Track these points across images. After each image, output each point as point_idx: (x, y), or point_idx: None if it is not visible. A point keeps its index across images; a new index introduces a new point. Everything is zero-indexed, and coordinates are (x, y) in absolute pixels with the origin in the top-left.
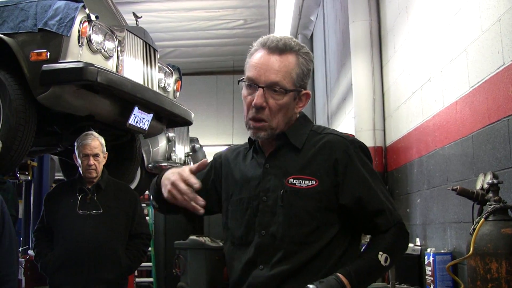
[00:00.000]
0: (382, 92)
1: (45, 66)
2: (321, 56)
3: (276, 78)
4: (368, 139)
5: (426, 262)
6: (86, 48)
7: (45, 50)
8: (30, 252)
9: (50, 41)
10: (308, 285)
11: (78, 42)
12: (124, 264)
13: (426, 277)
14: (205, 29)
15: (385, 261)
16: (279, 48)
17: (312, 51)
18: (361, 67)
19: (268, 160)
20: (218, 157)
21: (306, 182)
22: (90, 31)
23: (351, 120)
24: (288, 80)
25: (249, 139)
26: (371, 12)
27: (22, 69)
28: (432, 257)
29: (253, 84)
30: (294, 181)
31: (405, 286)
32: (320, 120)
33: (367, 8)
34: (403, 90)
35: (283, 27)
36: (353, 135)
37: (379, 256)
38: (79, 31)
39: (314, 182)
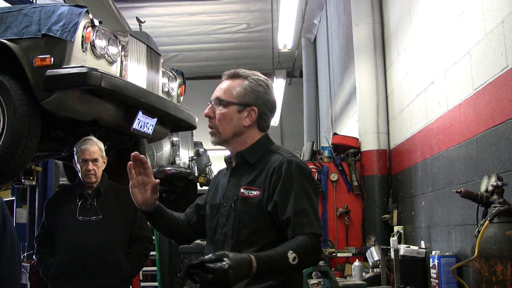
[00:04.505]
0: (386, 95)
1: (49, 72)
2: (324, 59)
3: (219, 94)
4: (372, 142)
5: (431, 265)
6: (90, 53)
7: (49, 56)
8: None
9: (54, 46)
10: (224, 251)
11: (82, 47)
12: (125, 268)
13: (431, 279)
14: (208, 33)
15: (293, 260)
16: (229, 75)
17: (315, 54)
18: (365, 70)
19: (231, 174)
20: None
21: (252, 192)
22: (94, 36)
23: (355, 123)
24: (227, 95)
25: (224, 160)
26: (374, 15)
27: (26, 74)
28: (437, 259)
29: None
30: (244, 191)
31: None
32: (324, 124)
33: (370, 11)
34: (407, 93)
35: (286, 31)
36: (296, 156)
37: (289, 253)
38: (82, 36)
39: (258, 193)
